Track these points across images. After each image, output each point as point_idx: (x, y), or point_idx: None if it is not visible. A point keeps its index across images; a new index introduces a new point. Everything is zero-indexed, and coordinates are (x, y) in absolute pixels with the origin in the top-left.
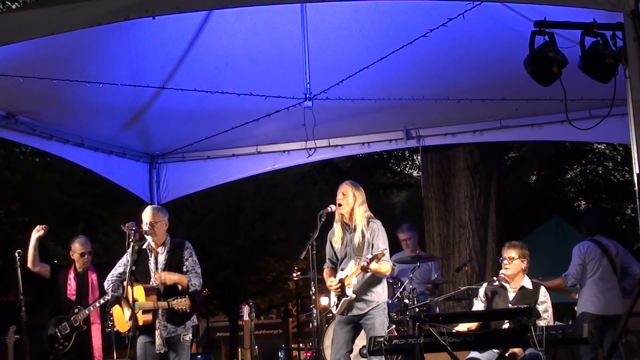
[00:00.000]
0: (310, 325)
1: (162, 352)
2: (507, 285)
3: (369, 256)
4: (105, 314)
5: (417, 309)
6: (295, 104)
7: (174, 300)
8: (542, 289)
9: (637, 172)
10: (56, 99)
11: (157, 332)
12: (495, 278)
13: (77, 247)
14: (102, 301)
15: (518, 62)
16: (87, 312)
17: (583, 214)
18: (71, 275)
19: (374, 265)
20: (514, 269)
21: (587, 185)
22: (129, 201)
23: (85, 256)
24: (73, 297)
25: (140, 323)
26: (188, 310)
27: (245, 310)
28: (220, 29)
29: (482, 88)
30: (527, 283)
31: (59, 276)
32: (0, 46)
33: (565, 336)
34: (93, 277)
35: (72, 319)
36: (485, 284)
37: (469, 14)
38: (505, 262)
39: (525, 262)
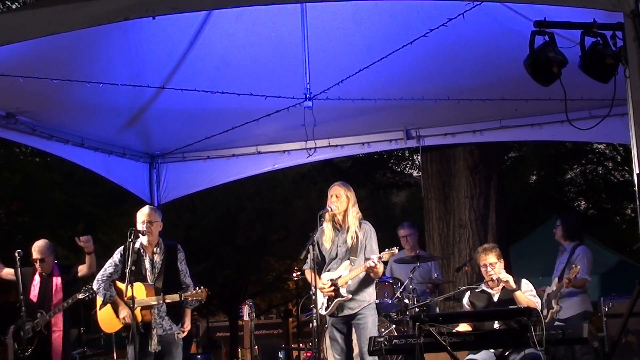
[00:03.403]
0: (310, 325)
1: (156, 351)
2: (488, 289)
3: (375, 257)
4: (68, 319)
5: (417, 309)
6: (295, 104)
7: (187, 292)
8: (524, 281)
9: (637, 172)
10: (56, 99)
11: (153, 331)
12: (480, 284)
13: (32, 253)
14: (65, 305)
15: (518, 62)
16: (47, 317)
17: (563, 217)
18: (36, 277)
19: (380, 267)
20: (499, 272)
21: (587, 185)
22: (129, 201)
23: (37, 262)
24: (35, 299)
25: (139, 320)
26: (203, 302)
27: (245, 310)
28: (220, 29)
29: (482, 88)
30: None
31: (24, 276)
32: (0, 46)
33: (565, 336)
34: (57, 280)
35: (35, 323)
36: (467, 293)
37: (469, 14)
38: (489, 268)
39: (502, 261)
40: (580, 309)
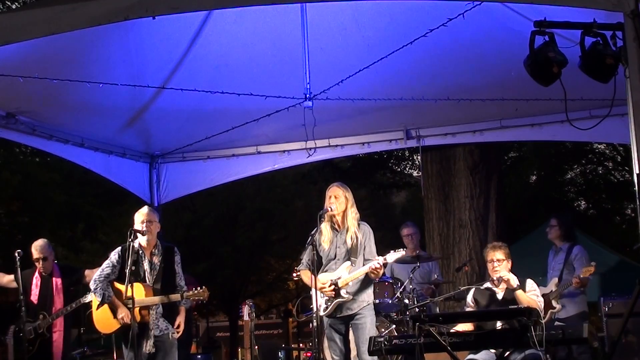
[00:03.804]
0: (310, 325)
1: (151, 352)
2: (493, 287)
3: (380, 259)
4: (69, 320)
5: (417, 309)
6: (295, 104)
7: (189, 292)
8: (529, 281)
9: (637, 172)
10: (56, 99)
11: (150, 332)
12: (485, 282)
13: (32, 252)
14: (69, 308)
15: (518, 62)
16: (51, 320)
17: (560, 218)
18: (35, 278)
19: (382, 268)
20: (501, 270)
21: (587, 185)
22: (129, 201)
23: (40, 262)
24: (36, 301)
25: (138, 320)
26: (205, 301)
27: (245, 310)
28: (220, 29)
29: (482, 88)
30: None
31: (24, 278)
32: (0, 46)
33: (565, 336)
34: (57, 281)
35: (37, 324)
36: (472, 290)
37: (469, 14)
38: (495, 264)
39: (510, 261)
40: (579, 309)
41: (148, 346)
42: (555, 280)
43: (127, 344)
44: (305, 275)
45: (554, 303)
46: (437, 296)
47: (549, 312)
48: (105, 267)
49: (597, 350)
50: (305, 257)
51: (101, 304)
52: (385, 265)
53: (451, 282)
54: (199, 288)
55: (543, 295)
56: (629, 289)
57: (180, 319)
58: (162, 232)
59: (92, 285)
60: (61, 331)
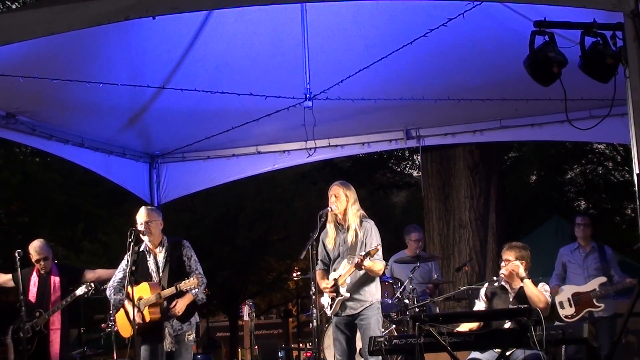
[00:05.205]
0: (310, 325)
1: (173, 350)
2: (507, 285)
3: (362, 253)
4: (66, 317)
5: (417, 309)
6: (295, 104)
7: (180, 282)
8: (542, 283)
9: (637, 172)
10: (56, 99)
11: (166, 331)
12: (495, 278)
13: (31, 254)
14: (64, 303)
15: (518, 62)
16: (47, 316)
17: (588, 215)
18: (33, 277)
19: (367, 262)
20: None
21: (587, 185)
22: (129, 201)
23: (41, 262)
24: (34, 300)
25: (148, 319)
26: (197, 288)
27: (245, 310)
28: (220, 29)
29: (482, 88)
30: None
31: (22, 277)
32: (0, 46)
33: (565, 336)
34: (55, 280)
35: (34, 322)
36: (486, 284)
37: (469, 14)
38: (503, 263)
39: (523, 263)
40: (614, 309)
41: (167, 344)
42: (602, 279)
43: (144, 342)
44: (318, 276)
45: (595, 302)
46: (437, 296)
47: (586, 309)
48: (118, 272)
49: (597, 350)
50: (319, 257)
51: (115, 309)
52: (384, 260)
53: (451, 282)
54: (187, 278)
55: (583, 293)
56: (629, 289)
57: (182, 302)
58: (163, 231)
59: (107, 292)
60: (59, 329)
